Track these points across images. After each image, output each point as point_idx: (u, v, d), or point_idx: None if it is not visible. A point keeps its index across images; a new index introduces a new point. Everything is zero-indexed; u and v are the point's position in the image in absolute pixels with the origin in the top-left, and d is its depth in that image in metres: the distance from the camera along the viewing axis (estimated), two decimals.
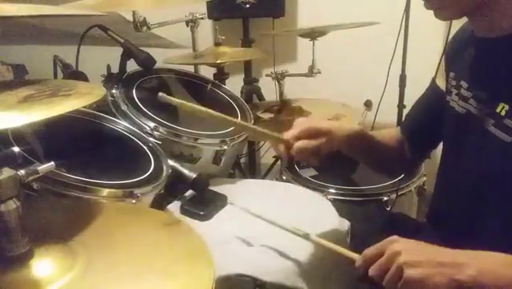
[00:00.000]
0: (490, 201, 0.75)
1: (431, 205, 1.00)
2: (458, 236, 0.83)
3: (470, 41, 0.82)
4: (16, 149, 0.60)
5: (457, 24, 0.93)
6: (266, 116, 1.65)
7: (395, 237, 0.70)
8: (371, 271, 0.69)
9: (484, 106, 0.75)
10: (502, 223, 0.74)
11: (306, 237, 0.79)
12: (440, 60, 0.92)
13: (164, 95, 0.78)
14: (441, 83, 0.93)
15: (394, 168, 1.07)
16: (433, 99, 0.95)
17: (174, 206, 0.99)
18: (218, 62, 1.56)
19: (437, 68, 0.93)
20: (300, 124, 0.85)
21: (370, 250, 0.71)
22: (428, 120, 0.97)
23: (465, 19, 0.83)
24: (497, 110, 0.71)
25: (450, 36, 0.91)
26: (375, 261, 0.69)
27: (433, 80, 0.96)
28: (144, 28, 1.35)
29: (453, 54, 0.89)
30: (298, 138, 0.83)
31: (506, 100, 0.70)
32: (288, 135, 0.83)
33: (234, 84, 1.88)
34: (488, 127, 0.73)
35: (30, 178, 0.57)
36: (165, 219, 0.76)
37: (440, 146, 0.96)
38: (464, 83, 0.81)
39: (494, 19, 0.72)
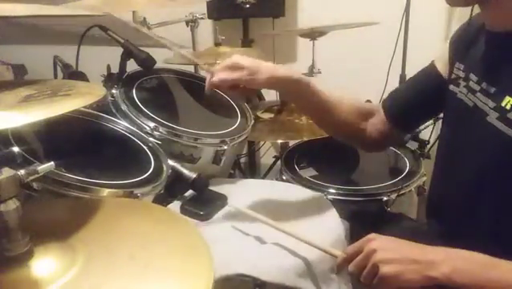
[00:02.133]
0: (490, 195, 0.76)
1: (429, 201, 1.00)
2: (458, 230, 0.83)
3: (481, 34, 0.82)
4: (16, 149, 0.61)
5: (458, 23, 0.93)
6: (266, 115, 1.65)
7: (373, 235, 0.74)
8: (351, 268, 0.73)
9: (490, 100, 0.75)
10: (501, 216, 0.75)
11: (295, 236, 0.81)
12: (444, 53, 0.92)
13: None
14: (442, 69, 0.92)
15: (357, 140, 1.08)
16: (430, 82, 0.95)
17: (174, 206, 0.99)
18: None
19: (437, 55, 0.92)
20: (226, 60, 0.90)
21: (350, 248, 0.75)
22: (418, 103, 0.97)
23: (466, 16, 0.82)
24: (503, 104, 0.71)
25: (451, 29, 0.91)
26: (355, 258, 0.73)
27: (432, 64, 0.96)
28: (144, 28, 1.35)
29: (461, 45, 0.88)
30: (221, 70, 0.89)
31: None
32: (216, 68, 0.90)
33: None
34: (492, 120, 0.73)
35: (30, 178, 0.57)
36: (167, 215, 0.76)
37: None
38: (473, 76, 0.81)
39: (505, 12, 0.72)
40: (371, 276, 0.70)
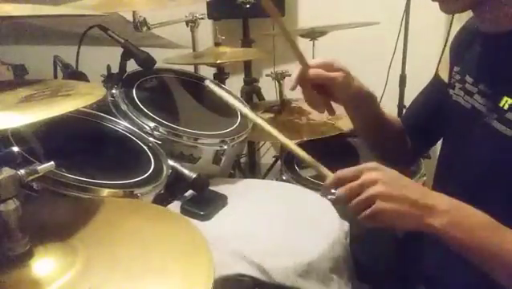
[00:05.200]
0: (491, 196, 0.75)
1: None
2: None
3: (475, 36, 0.82)
4: (16, 149, 0.60)
5: (458, 23, 0.93)
6: (266, 115, 1.65)
7: (375, 163, 0.69)
8: (340, 190, 0.67)
9: (488, 101, 0.75)
10: (503, 217, 0.75)
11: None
12: (443, 52, 0.92)
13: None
14: (444, 76, 0.93)
15: (394, 155, 1.06)
16: (436, 92, 0.95)
17: (174, 206, 0.99)
18: (218, 62, 1.56)
19: (439, 61, 0.93)
20: (324, 57, 0.85)
21: (345, 171, 0.69)
22: (430, 114, 0.97)
23: (466, 17, 0.83)
24: (501, 104, 0.71)
25: (451, 32, 0.91)
26: (348, 182, 0.67)
27: (436, 73, 0.96)
28: (144, 28, 1.35)
29: (458, 48, 0.89)
30: (317, 66, 0.83)
31: (510, 94, 0.70)
32: (312, 61, 0.84)
33: (234, 84, 1.88)
34: (491, 121, 0.73)
35: (30, 178, 0.57)
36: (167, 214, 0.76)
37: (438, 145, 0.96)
38: (469, 78, 0.81)
39: (499, 14, 0.72)
40: (364, 207, 0.64)
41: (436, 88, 0.95)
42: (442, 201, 0.66)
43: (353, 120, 0.96)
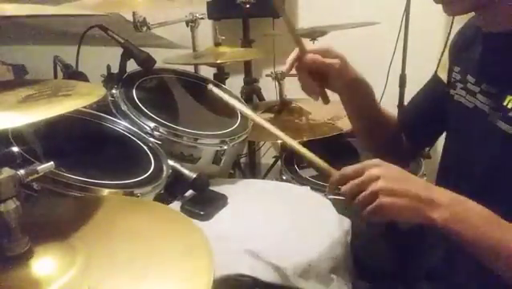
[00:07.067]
0: (495, 195, 0.75)
1: None
2: None
3: (477, 37, 0.82)
4: (16, 149, 0.61)
5: (458, 23, 0.93)
6: (266, 115, 1.65)
7: (377, 160, 0.70)
8: (345, 188, 0.69)
9: (491, 100, 0.75)
10: (507, 215, 0.75)
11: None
12: (443, 53, 0.92)
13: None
14: (444, 76, 0.93)
15: (390, 154, 1.07)
16: (435, 92, 0.95)
17: (174, 206, 0.99)
18: (218, 62, 1.56)
19: (439, 61, 0.93)
20: (322, 44, 0.85)
21: (349, 169, 0.70)
22: (428, 114, 0.97)
23: (466, 17, 0.83)
24: (505, 103, 0.71)
25: (452, 32, 0.91)
26: (352, 179, 0.68)
27: (435, 73, 0.96)
28: (144, 28, 1.35)
29: (458, 49, 0.89)
30: (315, 53, 0.83)
31: None
32: (309, 47, 0.84)
33: (234, 84, 1.88)
34: (495, 121, 0.73)
35: (30, 178, 0.57)
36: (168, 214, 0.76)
37: (440, 146, 0.96)
38: (471, 78, 0.81)
39: (502, 14, 0.72)
40: (367, 202, 0.66)
41: (435, 88, 0.95)
42: (443, 195, 0.66)
43: (348, 110, 0.97)
